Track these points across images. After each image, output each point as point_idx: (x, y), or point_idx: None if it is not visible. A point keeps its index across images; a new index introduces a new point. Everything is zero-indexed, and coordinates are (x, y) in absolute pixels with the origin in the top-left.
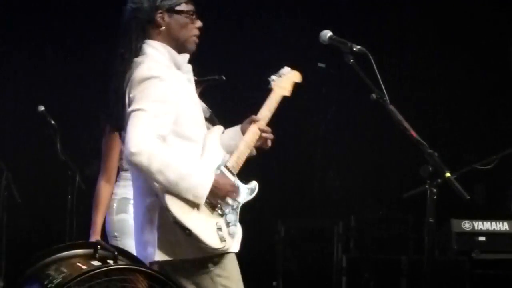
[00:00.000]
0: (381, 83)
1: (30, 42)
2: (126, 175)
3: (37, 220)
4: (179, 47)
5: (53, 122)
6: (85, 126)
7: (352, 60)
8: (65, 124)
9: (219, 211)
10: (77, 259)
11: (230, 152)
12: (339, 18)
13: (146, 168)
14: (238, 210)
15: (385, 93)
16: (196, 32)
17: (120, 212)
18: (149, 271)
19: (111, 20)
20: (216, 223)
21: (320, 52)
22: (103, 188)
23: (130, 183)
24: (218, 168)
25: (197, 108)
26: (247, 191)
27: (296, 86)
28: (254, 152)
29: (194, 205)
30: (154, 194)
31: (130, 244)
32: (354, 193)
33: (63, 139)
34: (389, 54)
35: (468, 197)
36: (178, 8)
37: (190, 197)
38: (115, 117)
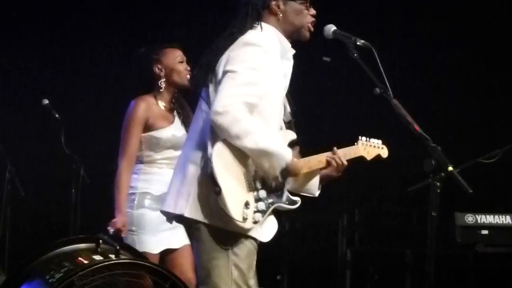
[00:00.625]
0: (385, 77)
1: (34, 35)
2: (147, 168)
3: (41, 214)
4: (294, 34)
5: (57, 115)
6: (90, 120)
7: (356, 54)
8: (69, 117)
9: (255, 194)
10: (79, 254)
11: None
12: (341, 12)
13: (226, 130)
14: (271, 209)
15: (389, 87)
16: (311, 19)
17: (141, 207)
18: (152, 265)
19: (117, 14)
20: (247, 200)
21: (325, 45)
22: (125, 170)
23: (150, 177)
24: None
25: (280, 101)
26: (287, 198)
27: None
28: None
29: (238, 173)
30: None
31: (147, 240)
32: (359, 187)
33: (67, 132)
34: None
35: (471, 191)
36: None
37: (265, 166)
38: (197, 83)
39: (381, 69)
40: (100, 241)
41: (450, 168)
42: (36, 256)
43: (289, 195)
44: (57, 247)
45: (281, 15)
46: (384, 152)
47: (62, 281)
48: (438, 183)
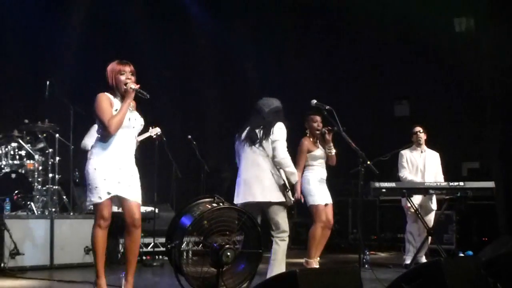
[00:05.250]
0: (338, 122)
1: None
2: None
3: (189, 186)
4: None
5: (194, 142)
6: (216, 140)
7: (326, 113)
8: (202, 141)
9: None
10: (206, 203)
11: None
12: None
13: (286, 165)
14: None
15: (340, 126)
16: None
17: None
18: (238, 208)
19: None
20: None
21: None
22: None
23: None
24: None
25: None
26: None
27: None
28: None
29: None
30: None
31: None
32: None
33: (199, 149)
34: None
35: (378, 172)
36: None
37: (290, 178)
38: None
39: (337, 119)
40: (215, 197)
41: (368, 162)
42: (186, 205)
43: None
44: (195, 201)
45: None
46: None
47: (199, 215)
48: (363, 169)
